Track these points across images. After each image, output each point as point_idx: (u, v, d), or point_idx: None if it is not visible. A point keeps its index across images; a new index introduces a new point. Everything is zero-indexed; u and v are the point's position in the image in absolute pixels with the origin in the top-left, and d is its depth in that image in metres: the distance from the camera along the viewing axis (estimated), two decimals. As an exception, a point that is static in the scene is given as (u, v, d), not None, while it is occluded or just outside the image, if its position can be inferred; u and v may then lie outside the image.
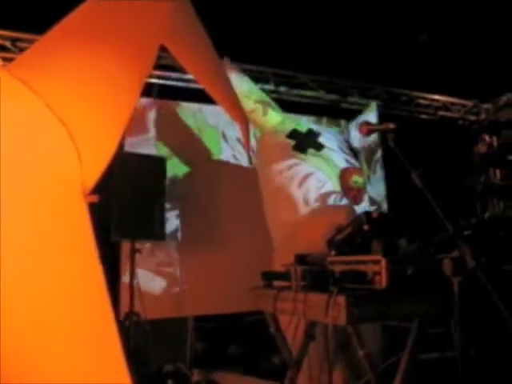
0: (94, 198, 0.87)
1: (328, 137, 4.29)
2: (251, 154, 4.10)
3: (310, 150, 3.83)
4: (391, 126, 1.77)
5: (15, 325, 0.62)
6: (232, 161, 4.52)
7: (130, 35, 0.94)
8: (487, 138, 5.42)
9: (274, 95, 4.90)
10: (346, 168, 4.10)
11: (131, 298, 3.34)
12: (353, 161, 4.32)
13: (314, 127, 4.25)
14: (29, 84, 0.75)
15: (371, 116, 4.95)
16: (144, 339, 3.14)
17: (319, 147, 3.94)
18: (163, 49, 1.27)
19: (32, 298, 0.63)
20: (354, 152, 4.49)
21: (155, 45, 1.05)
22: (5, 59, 3.65)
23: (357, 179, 4.03)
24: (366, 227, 2.06)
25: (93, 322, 0.71)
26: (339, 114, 5.21)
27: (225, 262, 4.14)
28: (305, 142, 3.77)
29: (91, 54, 0.86)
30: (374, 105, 5.10)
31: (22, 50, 3.74)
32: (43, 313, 0.64)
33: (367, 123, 1.89)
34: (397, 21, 4.29)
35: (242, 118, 1.61)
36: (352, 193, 3.95)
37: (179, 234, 3.98)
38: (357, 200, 4.03)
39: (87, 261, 0.76)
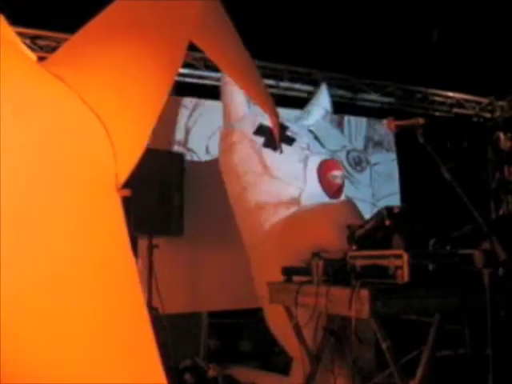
0: (127, 192, 0.88)
1: (298, 129, 3.90)
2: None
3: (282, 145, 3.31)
4: (421, 121, 1.73)
5: (48, 323, 0.63)
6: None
7: (160, 32, 0.96)
8: (502, 134, 5.40)
9: (289, 92, 4.92)
10: (322, 161, 3.69)
11: (149, 293, 3.36)
12: (325, 152, 3.95)
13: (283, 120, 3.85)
14: (64, 79, 0.76)
15: (323, 99, 4.55)
16: (163, 334, 3.17)
17: (290, 141, 3.59)
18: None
19: (63, 296, 0.64)
20: (321, 143, 4.07)
21: (185, 41, 1.07)
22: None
23: (336, 174, 3.67)
24: (387, 222, 2.07)
25: (127, 321, 0.72)
26: (354, 112, 5.22)
27: (238, 257, 4.16)
28: (274, 138, 3.22)
29: (122, 50, 0.88)
30: (323, 87, 4.66)
31: (41, 47, 3.79)
32: (75, 312, 0.65)
33: (396, 119, 1.87)
34: (411, 18, 4.28)
35: (274, 111, 1.65)
36: (332, 189, 3.60)
37: (195, 230, 4.00)
38: (336, 196, 3.63)
39: (122, 255, 0.77)
